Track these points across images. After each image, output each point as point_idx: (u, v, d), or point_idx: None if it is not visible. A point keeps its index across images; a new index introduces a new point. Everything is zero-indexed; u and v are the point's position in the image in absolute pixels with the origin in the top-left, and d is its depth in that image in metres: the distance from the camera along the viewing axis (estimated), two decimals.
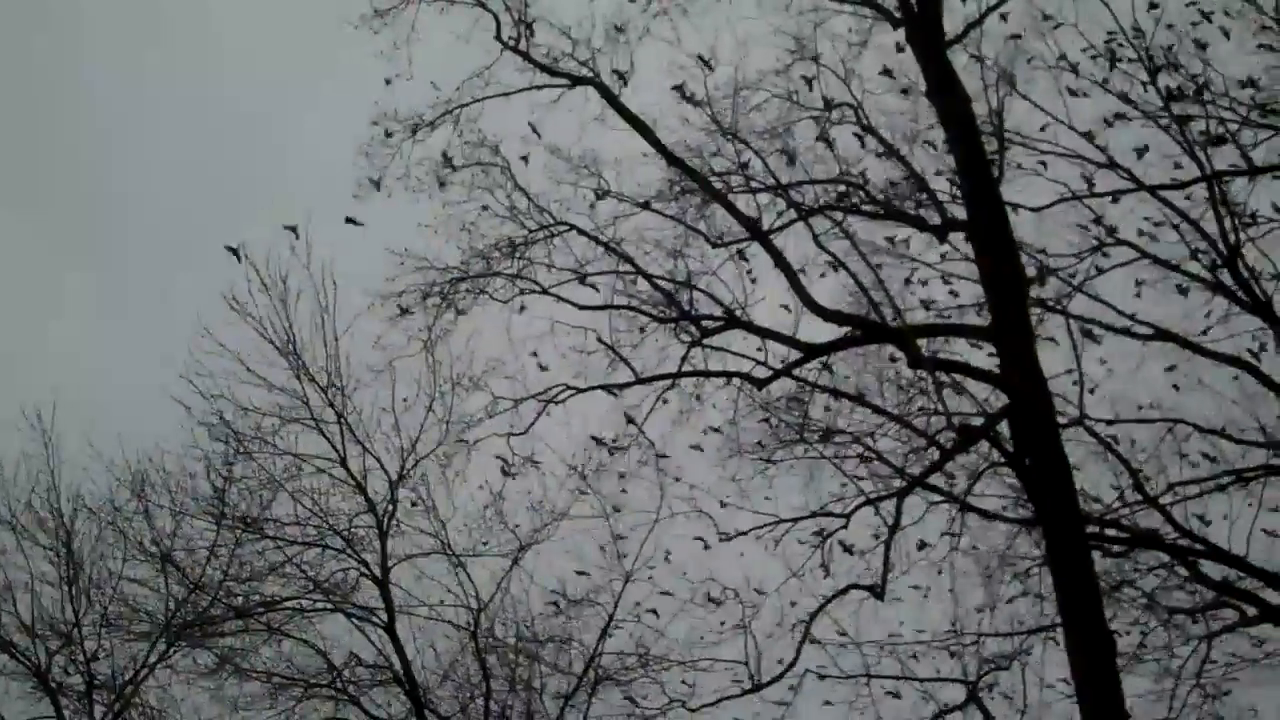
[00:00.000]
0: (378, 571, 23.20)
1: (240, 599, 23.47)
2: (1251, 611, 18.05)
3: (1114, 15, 18.04)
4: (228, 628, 23.56)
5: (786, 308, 17.91)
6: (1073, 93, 18.54)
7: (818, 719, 18.37)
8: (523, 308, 19.24)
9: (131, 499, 23.60)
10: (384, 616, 23.17)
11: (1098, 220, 18.67)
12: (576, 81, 19.05)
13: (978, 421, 17.22)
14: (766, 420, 19.09)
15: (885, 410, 18.58)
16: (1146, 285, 18.52)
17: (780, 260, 17.78)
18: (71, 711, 23.64)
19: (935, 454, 17.42)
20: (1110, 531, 18.18)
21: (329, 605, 23.41)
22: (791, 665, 17.87)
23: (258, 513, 23.31)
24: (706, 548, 18.82)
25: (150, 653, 23.51)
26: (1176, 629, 18.61)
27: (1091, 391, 18.51)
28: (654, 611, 21.76)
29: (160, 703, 23.79)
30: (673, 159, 18.48)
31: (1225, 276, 18.43)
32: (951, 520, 18.02)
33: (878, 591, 17.42)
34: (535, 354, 19.17)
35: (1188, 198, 18.42)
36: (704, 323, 18.46)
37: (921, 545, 18.16)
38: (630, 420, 19.02)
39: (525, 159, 19.09)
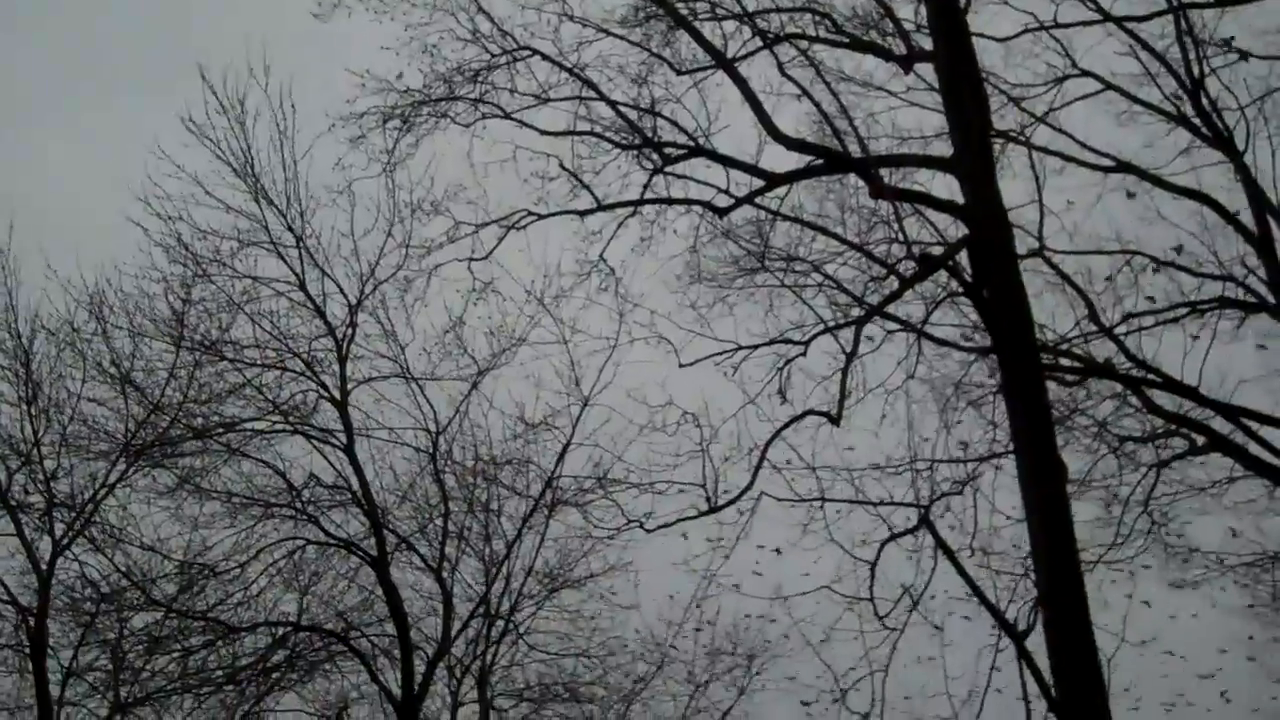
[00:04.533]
0: (337, 394, 23.34)
1: (200, 420, 23.50)
2: (1201, 440, 18.38)
3: None
4: (187, 448, 23.58)
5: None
6: None
7: (772, 540, 18.55)
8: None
9: (90, 320, 23.50)
10: (343, 438, 23.35)
11: (1063, 51, 18.65)
12: None
13: (937, 251, 17.27)
14: (728, 248, 19.20)
15: (846, 239, 18.67)
16: (1109, 117, 18.53)
17: (745, 88, 17.68)
18: (31, 529, 23.69)
19: (895, 283, 17.48)
20: (1065, 361, 18.41)
21: (288, 427, 23.53)
22: (748, 488, 17.92)
23: (217, 335, 23.29)
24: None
25: (110, 472, 23.54)
26: (1127, 457, 18.94)
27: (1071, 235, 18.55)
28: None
29: (120, 521, 23.87)
30: None
31: (1188, 109, 18.49)
32: (909, 348, 18.16)
33: (834, 417, 17.54)
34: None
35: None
36: (667, 150, 18.38)
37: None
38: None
39: None
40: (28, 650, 23.16)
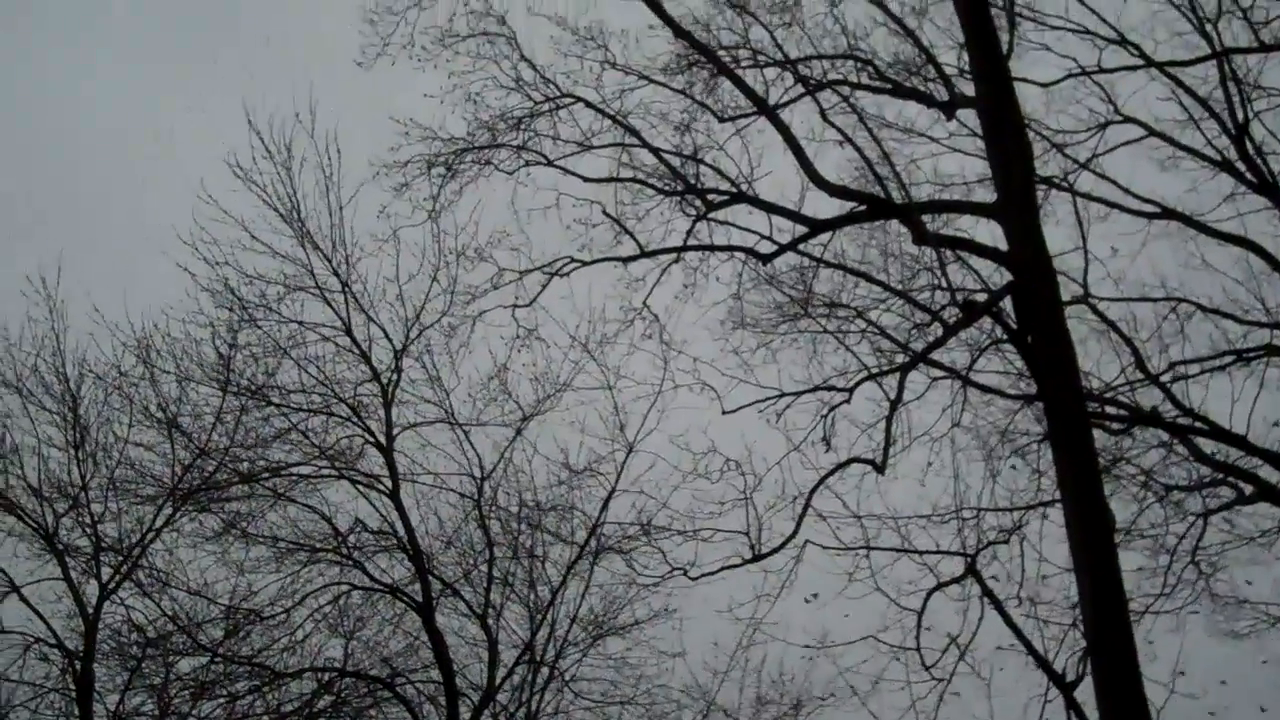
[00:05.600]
0: (382, 439, 23.32)
1: (246, 464, 23.52)
2: (1249, 490, 18.22)
3: None
4: (233, 493, 23.59)
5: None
6: None
7: (818, 590, 18.47)
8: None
9: (137, 364, 23.54)
10: (388, 483, 23.31)
11: (1106, 97, 18.62)
12: None
13: (981, 298, 17.20)
14: (771, 294, 19.21)
15: (889, 285, 18.67)
16: (1152, 163, 18.48)
17: (787, 135, 17.75)
18: (78, 572, 23.77)
19: (939, 329, 17.46)
20: (1110, 409, 18.31)
21: (334, 472, 23.52)
22: (792, 536, 17.92)
23: (263, 380, 23.31)
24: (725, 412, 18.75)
25: (156, 516, 23.59)
26: (1174, 506, 18.80)
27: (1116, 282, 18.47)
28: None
29: (167, 565, 23.86)
30: (680, 31, 18.39)
31: (1232, 154, 18.39)
32: (954, 396, 18.10)
33: (879, 465, 17.50)
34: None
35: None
36: (710, 197, 18.48)
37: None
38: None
39: None
40: (74, 694, 23.16)
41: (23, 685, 23.39)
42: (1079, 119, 18.91)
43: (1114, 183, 18.52)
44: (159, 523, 23.55)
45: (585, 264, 19.33)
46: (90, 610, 23.16)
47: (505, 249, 19.89)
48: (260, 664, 23.31)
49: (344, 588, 23.77)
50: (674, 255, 18.94)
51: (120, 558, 23.61)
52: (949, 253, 17.86)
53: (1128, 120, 18.72)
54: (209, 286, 22.92)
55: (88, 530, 23.79)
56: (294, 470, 23.56)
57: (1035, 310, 15.98)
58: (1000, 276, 17.44)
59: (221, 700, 23.40)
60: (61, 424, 23.92)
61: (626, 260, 19.10)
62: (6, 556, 23.66)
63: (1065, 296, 17.11)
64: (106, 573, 23.58)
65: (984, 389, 18.45)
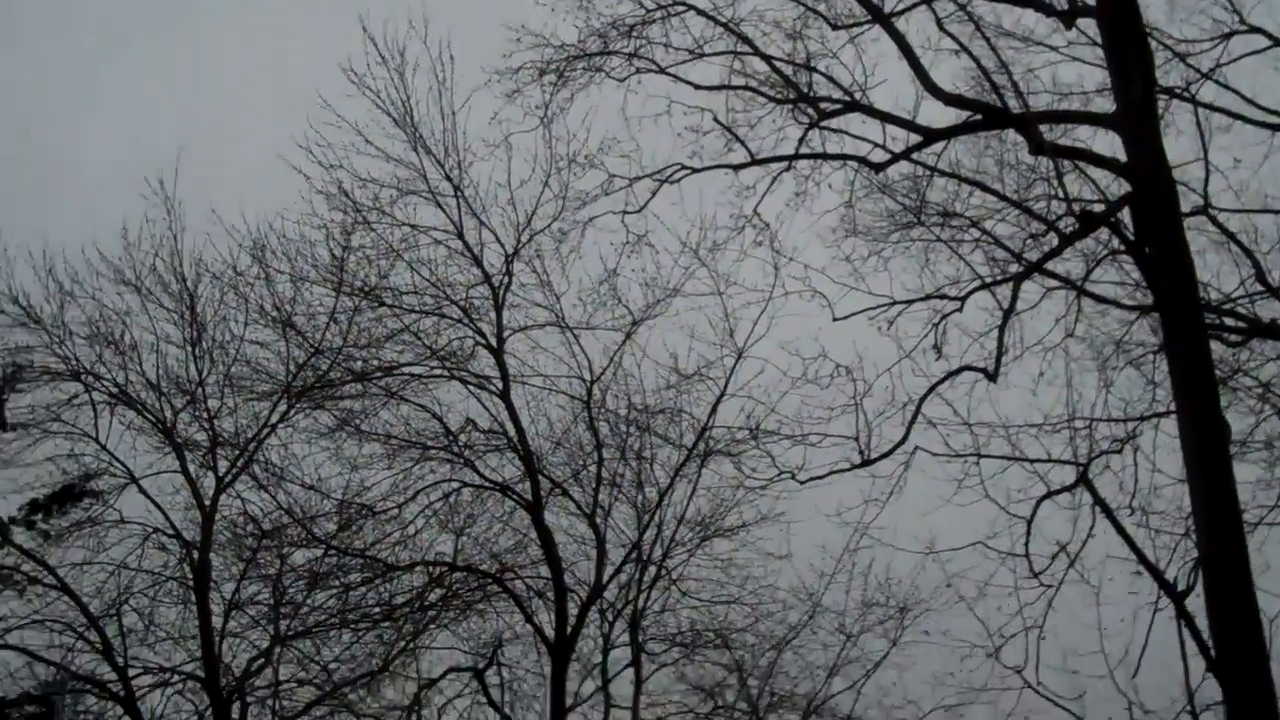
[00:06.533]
0: (493, 341, 23.58)
1: (359, 364, 23.89)
2: None
3: None
4: (347, 391, 24.02)
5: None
6: None
7: (926, 496, 18.54)
8: None
9: (252, 264, 23.92)
10: (499, 384, 23.61)
11: (1230, 6, 18.28)
12: None
13: (1099, 208, 17.08)
14: (883, 203, 19.17)
15: (1004, 195, 18.55)
16: (1278, 74, 18.16)
17: (902, 43, 17.63)
18: (196, 466, 24.30)
19: (1054, 240, 17.30)
20: (1229, 321, 18.17)
21: (445, 372, 23.85)
22: (902, 442, 17.94)
23: (376, 281, 23.62)
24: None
25: (272, 412, 24.05)
26: None
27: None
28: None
29: (281, 460, 24.40)
30: None
31: None
32: (1068, 306, 18.02)
33: (991, 374, 17.48)
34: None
35: None
36: (823, 105, 18.38)
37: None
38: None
39: None
40: (191, 583, 23.84)
41: (142, 573, 24.19)
42: (1202, 28, 18.55)
43: (1238, 93, 18.20)
44: (274, 419, 24.09)
45: (695, 171, 19.32)
46: (207, 502, 23.77)
47: (616, 156, 19.93)
48: (372, 557, 23.77)
49: (454, 485, 24.18)
50: (785, 163, 18.88)
51: (236, 452, 24.17)
52: (1066, 163, 17.71)
53: (1253, 30, 18.35)
54: (323, 189, 23.16)
55: (205, 425, 24.35)
56: (406, 370, 23.93)
57: (1154, 221, 15.88)
58: (1119, 187, 17.33)
59: (334, 591, 23.92)
60: (179, 322, 24.42)
61: (737, 168, 19.06)
62: (126, 449, 24.35)
63: (1185, 207, 16.95)
64: (223, 466, 24.19)
65: (1099, 299, 18.37)
